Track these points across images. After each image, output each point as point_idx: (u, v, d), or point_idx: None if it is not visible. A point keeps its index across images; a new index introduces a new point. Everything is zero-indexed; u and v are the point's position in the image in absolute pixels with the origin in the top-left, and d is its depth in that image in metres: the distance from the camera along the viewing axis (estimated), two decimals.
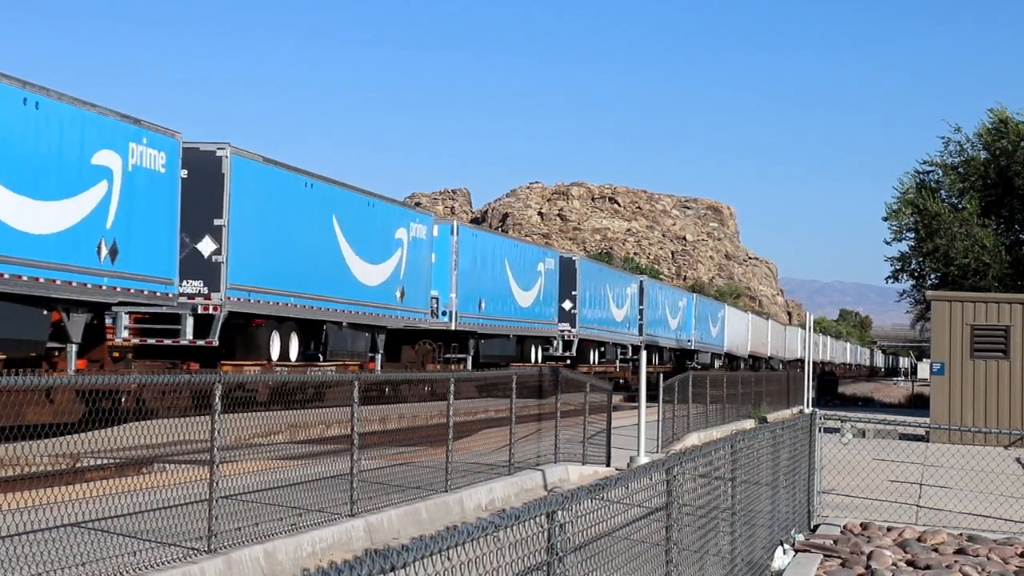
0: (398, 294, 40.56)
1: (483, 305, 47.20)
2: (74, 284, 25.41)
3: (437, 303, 44.26)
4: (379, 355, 40.34)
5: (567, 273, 57.80)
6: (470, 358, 46.88)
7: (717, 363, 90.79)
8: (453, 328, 45.19)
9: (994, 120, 51.06)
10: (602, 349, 64.54)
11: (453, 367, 44.37)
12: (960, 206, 51.02)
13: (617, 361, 66.51)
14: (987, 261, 49.20)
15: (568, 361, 56.57)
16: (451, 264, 44.93)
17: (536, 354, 54.73)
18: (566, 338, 57.58)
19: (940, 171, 52.91)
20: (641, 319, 69.86)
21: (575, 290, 57.62)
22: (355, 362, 38.32)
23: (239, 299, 31.75)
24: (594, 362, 62.24)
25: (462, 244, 45.70)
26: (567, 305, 57.38)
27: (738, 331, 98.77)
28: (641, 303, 70.14)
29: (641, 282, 72.04)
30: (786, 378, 55.85)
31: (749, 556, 11.70)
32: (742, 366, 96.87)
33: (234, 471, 13.92)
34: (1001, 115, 50.90)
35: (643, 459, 22.31)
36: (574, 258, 59.90)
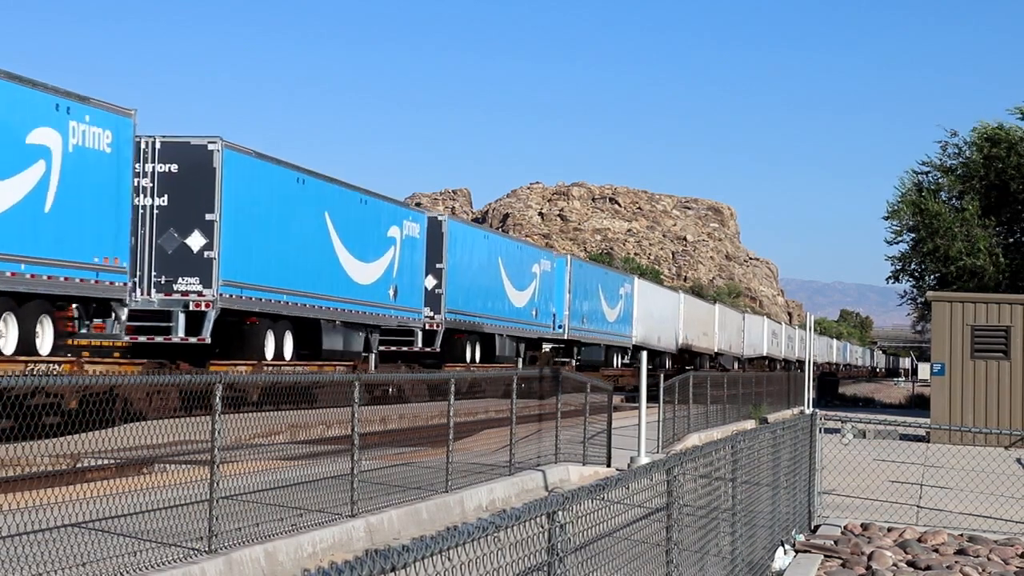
0: None
1: None
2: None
3: None
4: None
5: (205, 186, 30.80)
6: None
7: (620, 360, 67.37)
8: None
9: (985, 129, 51.11)
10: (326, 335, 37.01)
11: None
12: (961, 207, 51.09)
13: (373, 356, 40.27)
14: (983, 264, 49.25)
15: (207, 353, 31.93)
16: None
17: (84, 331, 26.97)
18: (202, 309, 30.85)
19: (938, 173, 53.01)
20: (439, 287, 44.10)
21: (221, 222, 31.26)
22: None
23: None
24: (278, 356, 33.94)
25: None
26: (208, 254, 30.86)
27: (659, 316, 72.79)
28: (439, 260, 44.15)
29: (438, 220, 45.24)
30: (787, 379, 55.89)
31: (750, 556, 11.70)
32: (668, 363, 72.03)
33: (234, 471, 13.93)
34: (988, 129, 50.92)
35: (644, 459, 22.32)
36: (216, 149, 30.79)
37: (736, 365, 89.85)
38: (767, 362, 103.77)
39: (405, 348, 43.16)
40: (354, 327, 38.62)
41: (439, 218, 45.43)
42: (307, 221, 35.12)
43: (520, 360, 52.04)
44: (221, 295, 30.90)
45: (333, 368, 35.47)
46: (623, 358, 67.79)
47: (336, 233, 36.70)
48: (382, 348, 41.83)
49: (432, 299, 43.95)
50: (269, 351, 33.52)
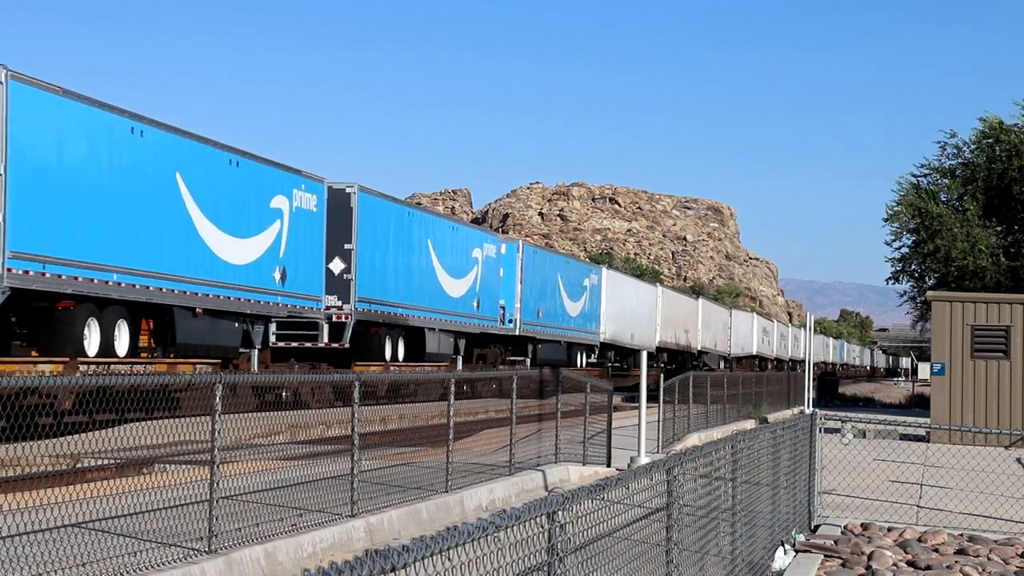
0: None
1: None
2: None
3: None
4: None
5: None
6: None
7: (585, 358, 60.52)
8: None
9: (986, 127, 51.09)
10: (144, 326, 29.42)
11: None
12: (962, 207, 51.05)
13: (256, 352, 33.54)
14: (984, 265, 49.23)
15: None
16: None
17: None
18: None
19: (937, 175, 52.98)
20: (348, 271, 37.24)
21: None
22: None
23: None
24: (106, 351, 26.64)
25: None
26: None
27: (633, 311, 65.30)
28: (348, 240, 37.26)
29: (345, 192, 37.71)
30: (786, 379, 55.90)
31: (750, 556, 11.70)
32: (645, 363, 58.80)
33: (234, 471, 13.94)
34: (993, 122, 50.90)
35: (644, 459, 22.32)
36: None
37: (722, 364, 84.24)
38: (757, 361, 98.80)
39: (309, 344, 36.57)
40: (225, 316, 31.39)
41: (347, 190, 37.48)
42: (148, 182, 27.61)
43: (459, 358, 45.74)
44: (9, 270, 23.44)
45: (192, 367, 28.69)
46: (589, 356, 61.22)
47: (193, 199, 29.19)
48: (281, 344, 35.77)
49: (340, 286, 36.99)
50: (92, 344, 26.10)
